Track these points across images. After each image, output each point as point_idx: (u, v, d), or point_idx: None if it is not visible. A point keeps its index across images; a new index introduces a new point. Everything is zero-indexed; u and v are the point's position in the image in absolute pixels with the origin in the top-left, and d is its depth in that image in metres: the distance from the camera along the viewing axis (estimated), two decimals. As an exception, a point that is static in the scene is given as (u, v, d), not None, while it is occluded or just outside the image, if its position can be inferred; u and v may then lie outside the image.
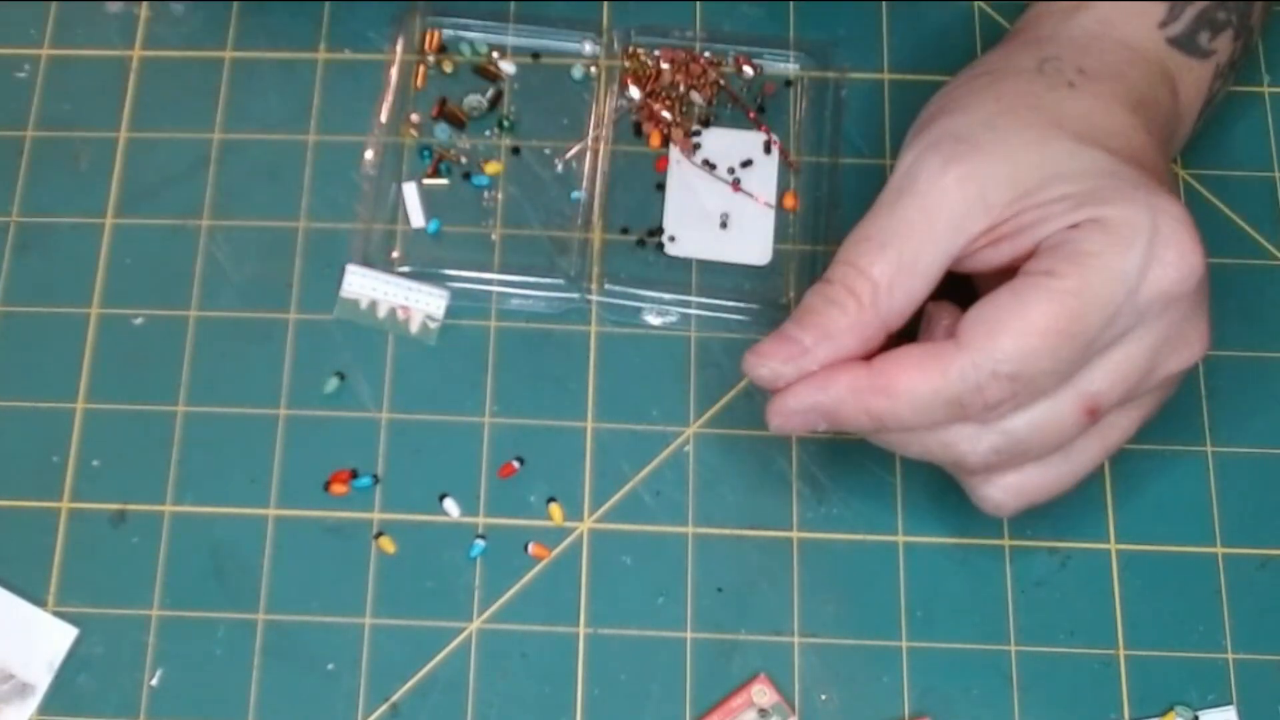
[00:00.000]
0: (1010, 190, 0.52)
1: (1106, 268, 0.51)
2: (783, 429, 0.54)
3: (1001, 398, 0.51)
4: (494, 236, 0.64)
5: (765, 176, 0.65)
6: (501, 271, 0.63)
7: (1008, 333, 0.50)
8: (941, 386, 0.51)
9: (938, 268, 0.53)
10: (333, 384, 0.62)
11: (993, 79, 0.56)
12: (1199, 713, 0.58)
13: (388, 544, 0.60)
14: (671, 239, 0.64)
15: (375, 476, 0.60)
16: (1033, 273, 0.51)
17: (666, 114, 0.66)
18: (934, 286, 0.53)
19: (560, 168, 0.65)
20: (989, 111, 0.54)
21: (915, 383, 0.51)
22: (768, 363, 0.54)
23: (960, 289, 0.55)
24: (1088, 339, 0.51)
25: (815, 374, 0.53)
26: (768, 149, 0.66)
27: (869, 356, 0.53)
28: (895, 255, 0.52)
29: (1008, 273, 0.53)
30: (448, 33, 0.67)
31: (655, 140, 0.65)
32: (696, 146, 0.65)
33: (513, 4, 0.67)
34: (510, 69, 0.67)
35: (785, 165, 0.65)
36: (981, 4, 0.69)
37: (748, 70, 0.67)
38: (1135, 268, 0.51)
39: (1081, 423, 0.53)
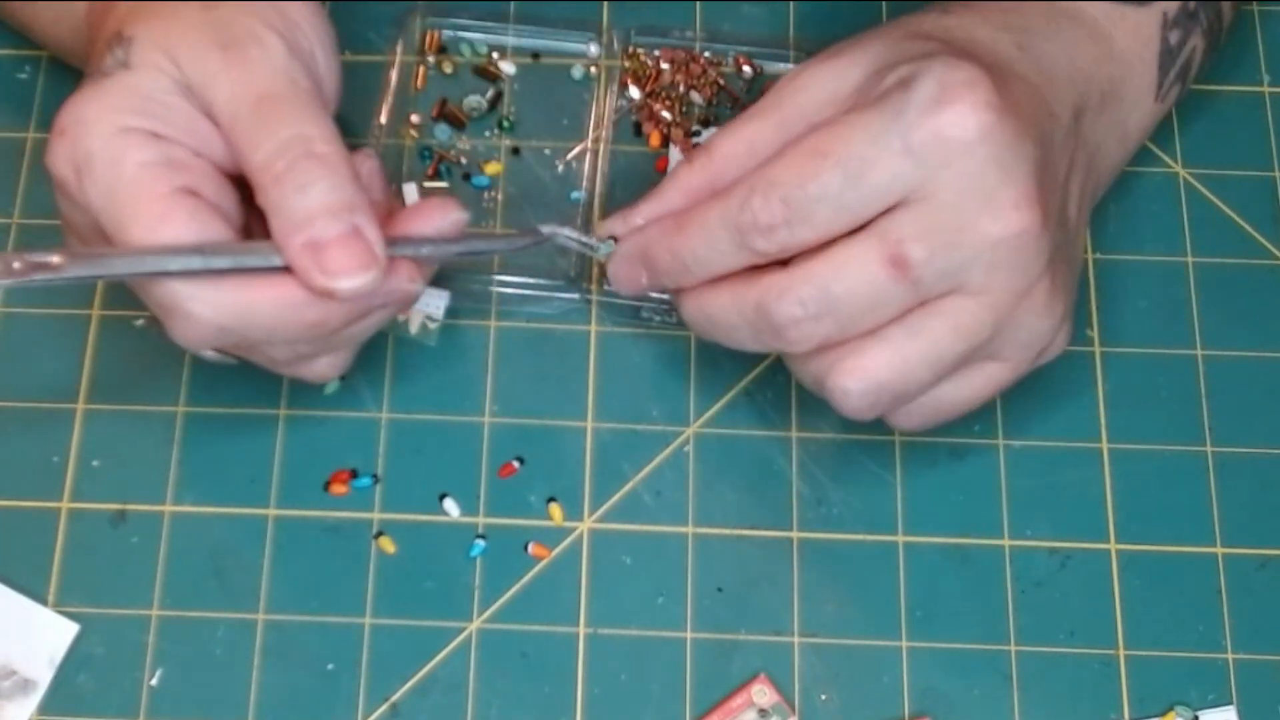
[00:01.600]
0: (866, 69, 0.54)
1: (876, 106, 0.51)
2: (617, 281, 0.57)
3: (772, 220, 0.52)
4: (494, 236, 0.64)
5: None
6: (501, 272, 0.63)
7: (775, 160, 0.52)
8: (722, 210, 0.53)
9: (775, 140, 0.54)
10: (333, 384, 0.62)
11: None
12: (1199, 713, 0.58)
13: (388, 544, 0.60)
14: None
15: (375, 476, 0.60)
16: None
17: (666, 114, 0.66)
18: None
19: (560, 168, 0.65)
20: (861, 33, 0.56)
21: (703, 212, 0.53)
22: (607, 223, 0.58)
23: None
24: (853, 166, 0.51)
25: (645, 230, 0.57)
26: (768, 149, 0.66)
27: None
28: (747, 146, 0.55)
29: None
30: (448, 33, 0.67)
31: (655, 140, 0.66)
32: (696, 147, 0.65)
33: (513, 4, 0.67)
34: (510, 69, 0.67)
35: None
36: (981, 4, 0.69)
37: (748, 70, 0.67)
38: (911, 107, 0.51)
39: (891, 275, 0.51)
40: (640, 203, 0.57)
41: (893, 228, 0.51)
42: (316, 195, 0.50)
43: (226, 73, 0.52)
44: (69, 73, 0.66)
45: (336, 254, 0.50)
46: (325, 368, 0.56)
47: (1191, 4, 0.61)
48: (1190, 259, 0.65)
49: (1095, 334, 0.63)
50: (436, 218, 0.54)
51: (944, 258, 0.51)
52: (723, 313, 0.54)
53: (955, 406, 0.55)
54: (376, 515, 0.60)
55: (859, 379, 0.53)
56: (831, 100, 0.54)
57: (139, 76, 0.52)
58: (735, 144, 0.55)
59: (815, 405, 0.61)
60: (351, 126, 0.65)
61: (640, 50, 0.67)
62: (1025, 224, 0.51)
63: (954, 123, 0.50)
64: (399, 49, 0.66)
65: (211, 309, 0.51)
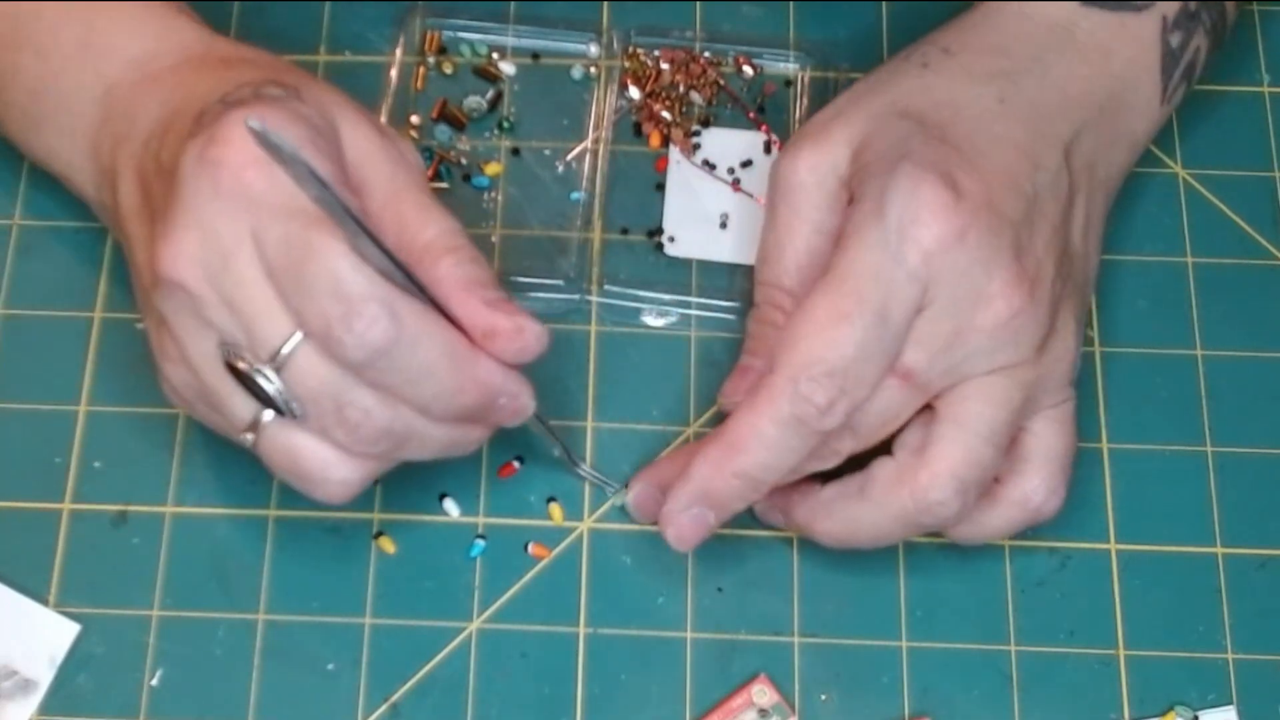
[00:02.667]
0: (850, 160, 0.55)
1: (863, 241, 0.53)
2: (682, 539, 0.56)
3: (831, 397, 0.52)
4: (494, 237, 0.64)
5: (765, 176, 0.65)
6: (501, 272, 0.63)
7: (803, 338, 0.52)
8: (775, 413, 0.52)
9: (829, 245, 0.55)
10: (333, 384, 0.62)
11: (863, 78, 0.59)
12: (1199, 713, 0.58)
13: (388, 544, 0.60)
14: (671, 239, 0.64)
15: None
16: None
17: (666, 114, 0.66)
18: None
19: (560, 168, 0.65)
20: (842, 102, 0.58)
21: (754, 423, 0.53)
22: (735, 396, 0.56)
23: None
24: (875, 312, 0.52)
25: (664, 468, 0.58)
26: (768, 149, 0.66)
27: None
28: (793, 258, 0.56)
29: None
30: (448, 34, 0.67)
31: (655, 140, 0.66)
32: (696, 146, 0.65)
33: (513, 4, 0.67)
34: (510, 69, 0.67)
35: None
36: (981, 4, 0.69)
37: (748, 70, 0.67)
38: (890, 234, 0.52)
39: (901, 388, 0.53)
40: (757, 362, 0.57)
41: (903, 350, 0.53)
42: (483, 268, 0.51)
43: (385, 151, 0.52)
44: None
45: (532, 326, 0.51)
46: (350, 476, 0.52)
47: (1192, 4, 0.61)
48: (1190, 259, 0.65)
49: (1095, 334, 0.63)
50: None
51: (948, 359, 0.53)
52: (769, 454, 0.54)
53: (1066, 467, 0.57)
54: (376, 515, 0.60)
55: (953, 486, 0.54)
56: (822, 194, 0.56)
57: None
58: (798, 270, 0.56)
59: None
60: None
61: (640, 50, 0.67)
62: (1015, 306, 0.53)
63: (938, 237, 0.52)
64: (399, 49, 0.66)
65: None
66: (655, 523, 0.57)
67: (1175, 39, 0.60)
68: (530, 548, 0.60)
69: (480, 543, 0.60)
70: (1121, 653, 0.59)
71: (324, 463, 0.51)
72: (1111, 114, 0.59)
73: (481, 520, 0.60)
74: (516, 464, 0.61)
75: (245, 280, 0.48)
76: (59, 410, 0.62)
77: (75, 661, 0.58)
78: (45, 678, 0.58)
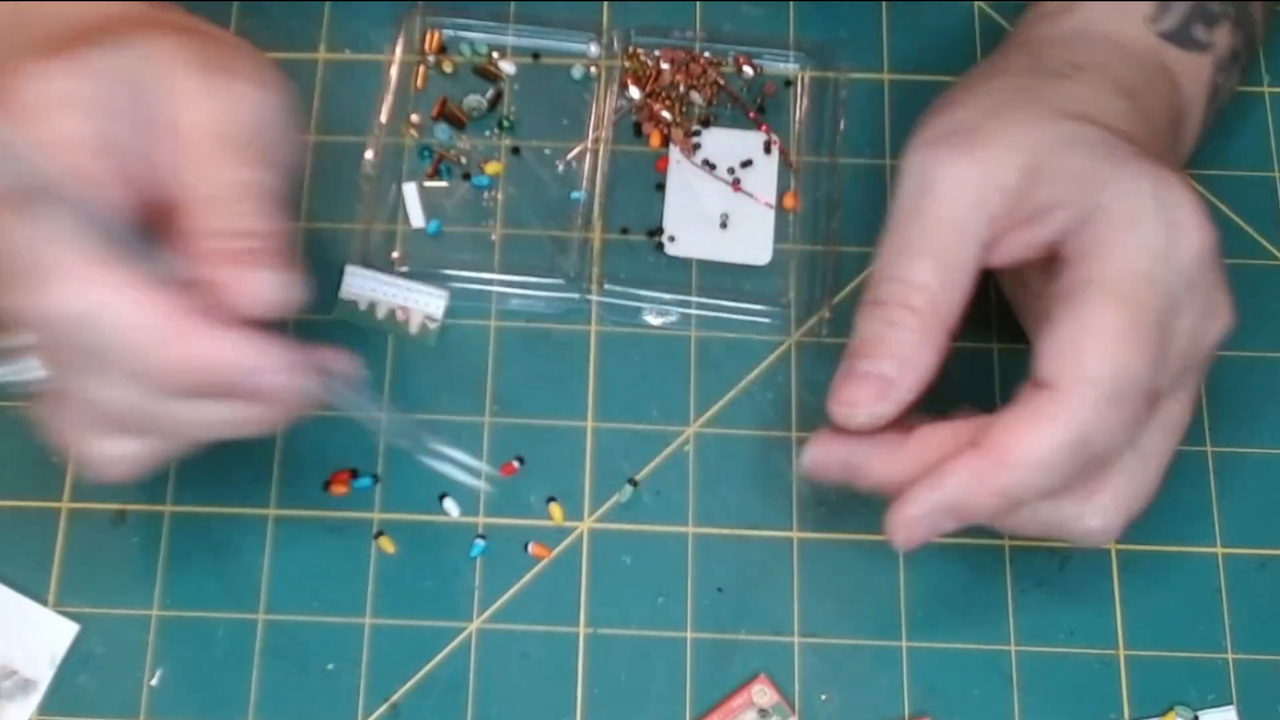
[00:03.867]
0: (1022, 168, 0.51)
1: (1134, 246, 0.50)
2: (910, 542, 0.52)
3: (1124, 418, 0.50)
4: (494, 237, 0.64)
5: (765, 176, 0.65)
6: (501, 272, 0.63)
7: (1089, 354, 0.49)
8: (1062, 435, 0.49)
9: (975, 258, 0.52)
10: (333, 384, 0.62)
11: (987, 77, 0.56)
12: (1199, 713, 0.58)
13: (388, 544, 0.60)
14: (671, 239, 0.64)
15: (375, 476, 0.60)
16: (1074, 288, 0.50)
17: (666, 114, 0.66)
18: (976, 279, 0.52)
19: (560, 168, 0.65)
20: (989, 103, 0.54)
21: (1033, 444, 0.49)
22: (861, 409, 0.52)
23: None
24: (1158, 321, 0.50)
25: (925, 476, 0.51)
26: (768, 149, 0.66)
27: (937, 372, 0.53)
28: (935, 256, 0.52)
29: (1039, 271, 0.53)
30: (448, 33, 0.67)
31: (655, 140, 0.65)
32: (696, 146, 0.65)
33: (513, 4, 0.67)
34: (510, 69, 0.67)
35: (785, 165, 0.65)
36: (981, 4, 0.69)
37: (748, 70, 0.67)
38: (1161, 237, 0.50)
39: (1145, 412, 0.51)
40: (886, 368, 0.52)
41: None
42: (247, 221, 0.48)
43: (203, 104, 0.49)
44: (69, 72, 0.67)
45: (263, 275, 0.47)
46: (117, 454, 0.50)
47: (1238, 47, 0.61)
48: (1191, 259, 0.65)
49: (1095, 334, 0.63)
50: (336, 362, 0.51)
51: (1180, 372, 0.52)
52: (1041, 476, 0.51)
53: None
54: (376, 515, 0.60)
55: (1114, 516, 0.52)
56: (982, 210, 0.52)
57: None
58: (941, 271, 0.52)
59: (815, 405, 0.62)
60: (352, 126, 0.65)
61: (640, 50, 0.67)
62: (1231, 319, 0.53)
63: (1205, 240, 0.51)
64: (399, 49, 0.66)
65: (79, 284, 0.46)
66: (858, 429, 0.53)
67: (1220, 78, 0.60)
68: (530, 548, 0.60)
69: (480, 543, 0.60)
70: (1121, 653, 0.59)
71: (89, 446, 0.50)
72: (1176, 141, 0.59)
73: (481, 520, 0.60)
74: (516, 464, 0.61)
75: None
76: (58, 409, 0.61)
77: (75, 661, 0.58)
78: (45, 677, 0.58)
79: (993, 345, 0.63)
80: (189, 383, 0.47)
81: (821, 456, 0.54)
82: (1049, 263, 0.53)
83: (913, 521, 0.52)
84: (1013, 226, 0.52)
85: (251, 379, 0.48)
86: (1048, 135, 0.52)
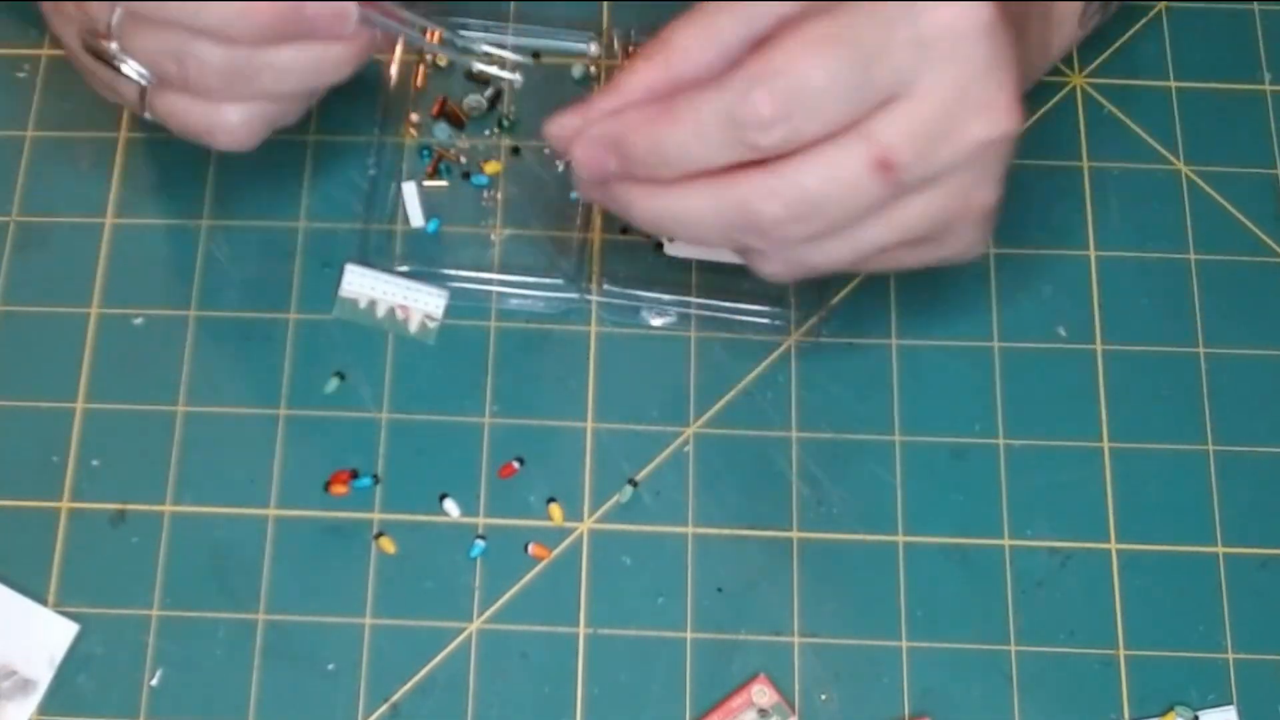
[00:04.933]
0: None
1: None
2: (583, 166, 0.52)
3: (774, 113, 0.48)
4: (493, 236, 0.64)
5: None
6: (501, 271, 0.63)
7: (778, 47, 0.48)
8: (716, 100, 0.49)
9: (741, 35, 0.51)
10: (333, 384, 0.62)
11: None
12: (1199, 713, 0.58)
13: (388, 544, 0.60)
14: (671, 239, 0.64)
15: (375, 476, 0.60)
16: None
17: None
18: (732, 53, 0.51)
19: (560, 168, 0.65)
20: None
21: (693, 101, 0.50)
22: (561, 120, 0.53)
23: None
24: (863, 53, 0.48)
25: (609, 100, 0.52)
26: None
27: None
28: (708, 31, 0.51)
29: None
30: (448, 33, 0.67)
31: (655, 139, 0.65)
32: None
33: (513, 4, 0.67)
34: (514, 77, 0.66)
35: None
36: (982, 2, 0.69)
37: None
38: None
39: (875, 179, 0.50)
40: (597, 98, 0.52)
41: (881, 129, 0.49)
42: None
43: None
44: (68, 71, 0.67)
45: None
46: (235, 120, 0.56)
47: None
48: (1193, 256, 0.65)
49: (1097, 332, 0.63)
50: None
51: (929, 161, 0.50)
52: (697, 211, 0.51)
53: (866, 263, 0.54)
54: (376, 515, 0.60)
55: (794, 266, 0.53)
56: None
57: None
58: (701, 42, 0.51)
59: (815, 405, 0.62)
60: (352, 125, 0.65)
61: (637, 49, 0.66)
62: (1012, 127, 0.50)
63: (964, 15, 0.49)
64: (399, 48, 0.66)
65: None
66: (555, 145, 0.54)
67: None
68: (530, 548, 0.60)
69: (480, 543, 0.60)
70: (1121, 653, 0.59)
71: (205, 114, 0.55)
72: (1041, 20, 0.58)
73: (481, 520, 0.60)
74: (516, 464, 0.61)
75: None
76: (57, 408, 0.62)
77: (75, 661, 0.58)
78: (45, 678, 0.58)
79: (993, 344, 0.63)
80: (265, 21, 0.53)
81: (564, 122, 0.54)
82: None
83: (588, 140, 0.52)
84: None
85: (314, 11, 0.53)
86: None
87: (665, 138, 0.50)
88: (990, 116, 0.50)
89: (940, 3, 0.49)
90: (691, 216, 0.52)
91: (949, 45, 0.49)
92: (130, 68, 0.55)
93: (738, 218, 0.51)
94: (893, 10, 0.49)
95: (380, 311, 0.63)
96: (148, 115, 0.56)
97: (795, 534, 0.60)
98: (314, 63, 0.55)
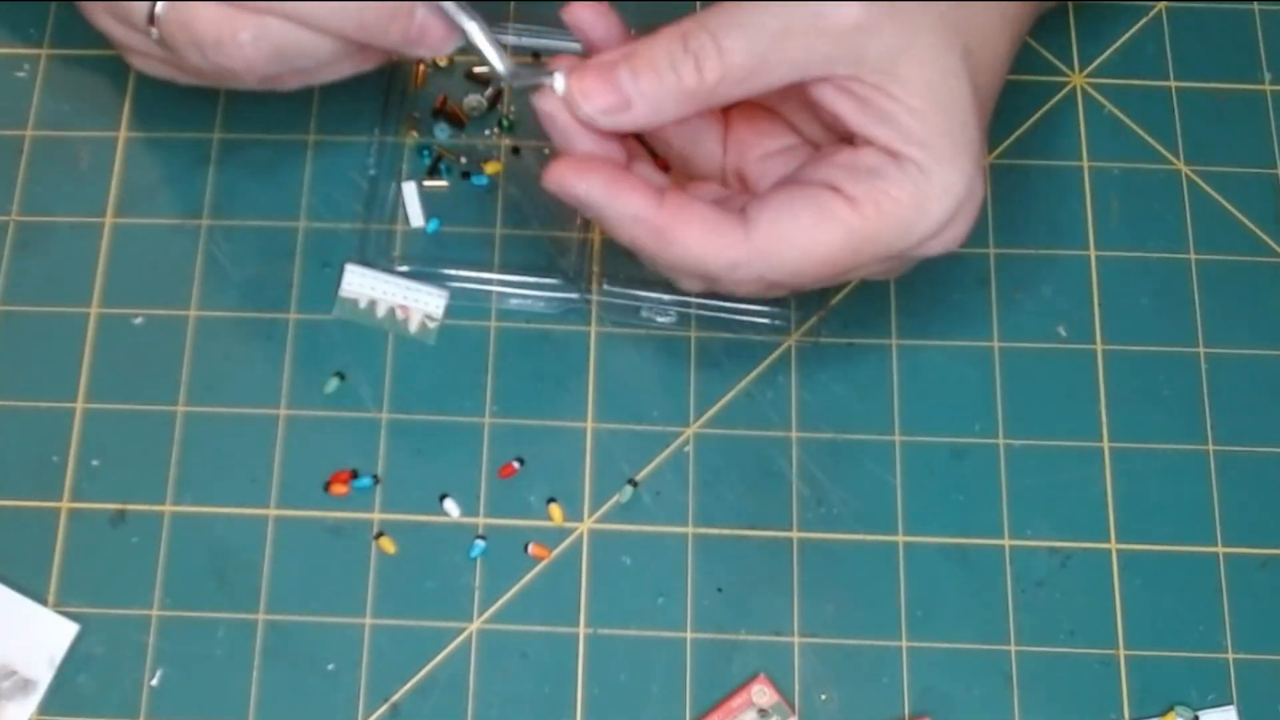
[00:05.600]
0: (889, 61, 0.52)
1: (904, 223, 0.53)
2: (555, 191, 0.54)
3: (753, 291, 0.55)
4: (494, 236, 0.64)
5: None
6: (501, 271, 0.63)
7: (793, 251, 0.53)
8: (713, 261, 0.53)
9: (784, 76, 0.53)
10: (333, 384, 0.62)
11: None
12: (1199, 713, 0.58)
13: (388, 544, 0.60)
14: None
15: (375, 476, 0.60)
16: (841, 190, 0.53)
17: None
18: (773, 92, 0.54)
19: (560, 167, 0.65)
20: None
21: (693, 245, 0.53)
22: (591, 102, 0.53)
23: None
24: (854, 274, 0.55)
25: (610, 170, 0.53)
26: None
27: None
28: (751, 50, 0.52)
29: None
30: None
31: (655, 139, 0.65)
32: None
33: (513, 4, 0.67)
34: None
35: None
36: (982, 2, 0.69)
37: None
38: (926, 232, 0.53)
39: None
40: (634, 92, 0.53)
41: None
42: None
43: None
44: (68, 70, 0.67)
45: None
46: (246, 34, 0.55)
47: None
48: (1193, 256, 0.65)
49: (1097, 332, 0.63)
50: None
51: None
52: (672, 268, 0.55)
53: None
54: (376, 515, 0.60)
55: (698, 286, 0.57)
56: (822, 54, 0.53)
57: None
58: (747, 64, 0.53)
59: (815, 405, 0.62)
60: (352, 125, 0.65)
61: (640, 49, 0.66)
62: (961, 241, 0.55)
63: (950, 246, 0.55)
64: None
65: None
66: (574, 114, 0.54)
67: None
68: (530, 548, 0.60)
69: (480, 543, 0.60)
70: (1121, 653, 0.59)
71: (218, 22, 0.55)
72: None
73: (481, 520, 0.60)
74: (516, 464, 0.61)
75: None
76: (56, 408, 0.62)
77: (75, 661, 0.58)
78: (45, 677, 0.58)
79: (993, 344, 0.63)
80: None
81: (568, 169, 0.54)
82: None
83: (569, 185, 0.53)
84: (841, 87, 0.53)
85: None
86: (931, 58, 0.53)
87: (653, 252, 0.54)
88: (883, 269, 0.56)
89: (948, 235, 0.53)
90: (656, 263, 0.55)
91: (921, 255, 0.55)
92: None
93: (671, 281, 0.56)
94: (908, 238, 0.53)
95: (380, 311, 0.63)
96: (150, 33, 0.56)
97: (795, 534, 0.60)
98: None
